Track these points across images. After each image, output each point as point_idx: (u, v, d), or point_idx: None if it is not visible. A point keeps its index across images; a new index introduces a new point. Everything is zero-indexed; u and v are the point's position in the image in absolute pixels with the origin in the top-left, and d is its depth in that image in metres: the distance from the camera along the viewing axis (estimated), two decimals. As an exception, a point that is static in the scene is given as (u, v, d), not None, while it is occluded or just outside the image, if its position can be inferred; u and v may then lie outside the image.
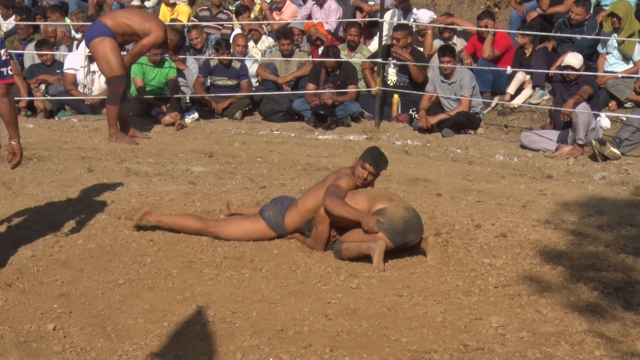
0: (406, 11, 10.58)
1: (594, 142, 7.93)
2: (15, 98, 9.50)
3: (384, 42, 9.60)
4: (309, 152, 8.08)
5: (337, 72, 9.72)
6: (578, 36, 9.24)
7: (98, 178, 6.73)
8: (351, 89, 9.69)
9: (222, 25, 11.58)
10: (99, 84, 9.76)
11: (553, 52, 9.58)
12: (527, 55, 9.68)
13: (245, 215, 5.62)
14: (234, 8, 12.28)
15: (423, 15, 10.24)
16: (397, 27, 9.67)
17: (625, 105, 9.13)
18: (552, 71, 8.96)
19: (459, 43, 10.26)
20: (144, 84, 9.64)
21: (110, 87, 8.13)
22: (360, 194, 5.17)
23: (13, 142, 4.71)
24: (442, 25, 10.22)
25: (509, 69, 9.50)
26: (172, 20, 11.37)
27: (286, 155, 7.89)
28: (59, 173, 6.86)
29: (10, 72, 4.64)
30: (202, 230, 5.39)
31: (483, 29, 9.75)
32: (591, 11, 9.98)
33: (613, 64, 9.26)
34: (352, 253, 5.01)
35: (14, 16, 11.68)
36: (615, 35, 9.06)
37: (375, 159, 5.29)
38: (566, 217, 5.90)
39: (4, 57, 4.57)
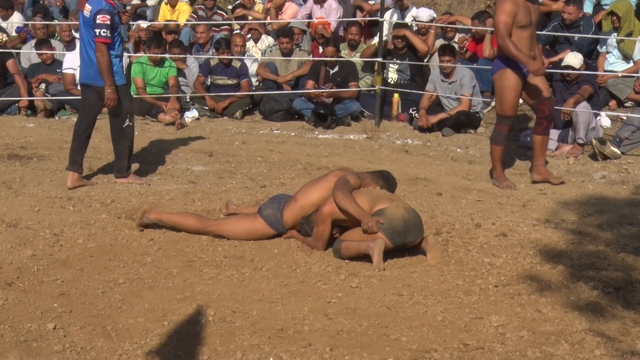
0: (403, 10, 10.57)
1: (594, 142, 7.93)
2: (15, 98, 9.53)
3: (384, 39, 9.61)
4: (309, 152, 8.08)
5: (336, 68, 9.71)
6: (576, 35, 9.23)
7: (98, 177, 6.74)
8: (351, 88, 9.68)
9: (219, 27, 11.57)
10: (99, 83, 9.76)
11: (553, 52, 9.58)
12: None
13: (244, 214, 5.62)
14: (231, 8, 12.28)
15: (423, 14, 10.23)
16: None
17: (626, 104, 9.13)
18: (552, 70, 8.95)
19: (457, 36, 10.27)
20: (145, 83, 9.64)
21: (495, 125, 7.07)
22: (362, 194, 5.17)
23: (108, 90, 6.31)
24: (442, 25, 10.21)
25: (509, 69, 9.49)
26: (171, 20, 11.38)
27: (286, 154, 7.89)
28: (59, 172, 6.87)
29: (103, 33, 6.23)
30: (202, 229, 5.39)
31: (483, 28, 9.74)
32: (590, 10, 9.97)
33: (613, 63, 9.25)
34: (351, 252, 5.01)
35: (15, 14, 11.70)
36: (615, 34, 9.06)
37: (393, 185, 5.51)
38: (566, 216, 5.90)
39: (99, 21, 6.21)
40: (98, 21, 6.24)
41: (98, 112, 6.63)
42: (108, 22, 6.25)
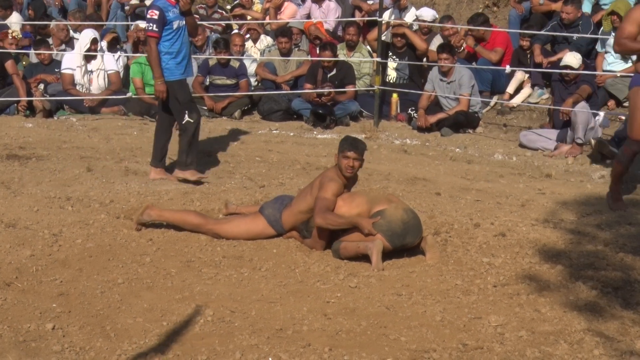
0: (401, 10, 10.57)
1: (592, 141, 7.93)
2: (14, 98, 9.52)
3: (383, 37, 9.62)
4: (308, 152, 8.07)
5: (334, 71, 9.71)
6: (575, 35, 9.23)
7: (97, 177, 6.73)
8: (349, 89, 9.67)
9: (215, 25, 11.58)
10: (97, 83, 9.75)
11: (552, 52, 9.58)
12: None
13: (245, 214, 5.63)
14: (229, 7, 12.28)
15: (426, 14, 10.23)
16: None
17: (624, 104, 9.12)
18: (550, 70, 8.95)
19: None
20: (144, 83, 9.63)
21: (624, 144, 6.30)
22: (360, 196, 5.17)
23: (158, 82, 6.57)
24: (442, 25, 10.21)
25: (508, 68, 9.50)
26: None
27: (285, 154, 7.89)
28: (57, 172, 6.86)
29: (149, 27, 6.51)
30: (203, 226, 5.39)
31: (483, 28, 9.73)
32: (589, 10, 9.97)
33: (612, 63, 9.25)
34: (350, 252, 5.01)
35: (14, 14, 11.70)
36: (614, 34, 9.06)
37: (352, 143, 5.32)
38: (565, 216, 5.90)
39: (148, 16, 6.52)
40: (148, 16, 6.56)
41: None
42: (156, 17, 6.48)
